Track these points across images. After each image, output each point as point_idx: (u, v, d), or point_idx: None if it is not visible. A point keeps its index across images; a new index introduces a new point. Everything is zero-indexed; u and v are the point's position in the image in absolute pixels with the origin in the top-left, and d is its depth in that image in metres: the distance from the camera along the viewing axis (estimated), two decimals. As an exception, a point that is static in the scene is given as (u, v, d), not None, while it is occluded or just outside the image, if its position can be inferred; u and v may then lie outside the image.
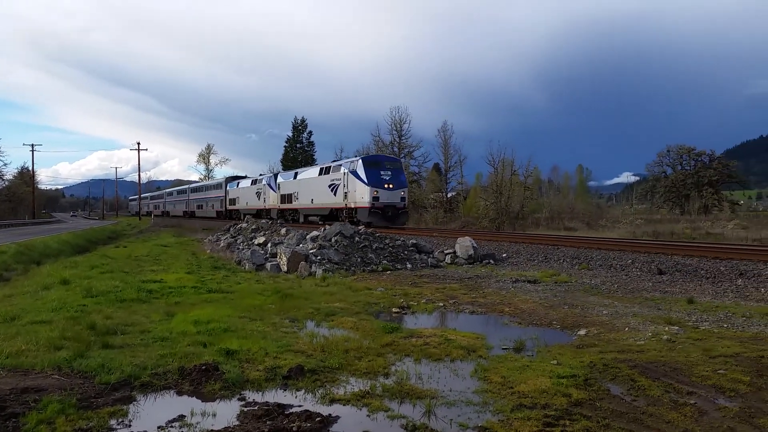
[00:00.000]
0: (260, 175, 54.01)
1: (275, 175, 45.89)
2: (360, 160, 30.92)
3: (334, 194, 33.05)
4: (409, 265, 14.61)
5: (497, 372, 5.58)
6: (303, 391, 5.21)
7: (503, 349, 6.59)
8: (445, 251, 16.15)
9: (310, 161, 68.78)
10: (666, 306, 8.80)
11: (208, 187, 67.75)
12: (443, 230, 30.16)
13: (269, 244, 17.10)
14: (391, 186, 29.95)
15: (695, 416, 4.48)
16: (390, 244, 15.85)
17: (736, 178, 55.86)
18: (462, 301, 9.79)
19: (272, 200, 44.41)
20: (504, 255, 16.57)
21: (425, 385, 5.29)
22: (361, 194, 29.98)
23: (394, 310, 9.13)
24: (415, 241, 16.78)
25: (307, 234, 17.16)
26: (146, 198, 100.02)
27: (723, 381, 5.15)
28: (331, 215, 33.95)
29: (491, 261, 15.46)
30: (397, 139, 58.43)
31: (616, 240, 20.08)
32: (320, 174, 35.83)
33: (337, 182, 32.98)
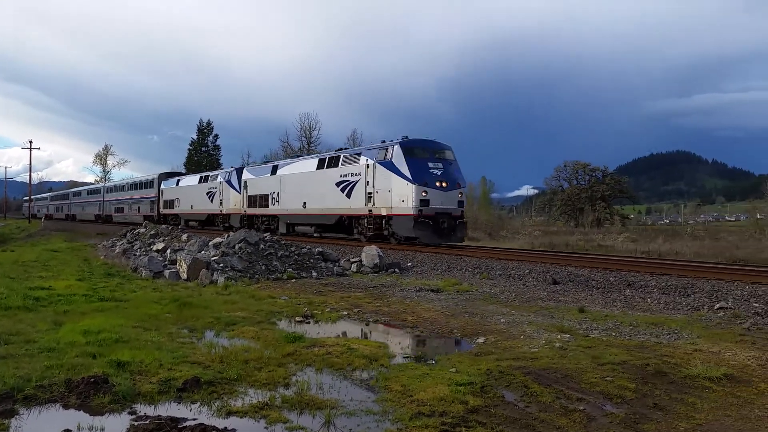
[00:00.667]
0: (212, 170, 44.42)
1: (238, 170, 36.06)
2: (398, 146, 21.59)
3: (348, 196, 23.99)
4: (314, 274, 14.52)
5: (398, 380, 5.61)
6: (198, 403, 5.04)
7: (405, 357, 6.65)
8: (351, 260, 16.17)
9: (215, 165, 67.16)
10: (559, 315, 9.17)
11: (133, 186, 55.01)
12: (350, 239, 25.72)
13: (168, 251, 16.51)
14: (444, 184, 21.11)
15: (584, 422, 4.67)
16: (296, 252, 15.70)
17: (626, 194, 59.17)
18: (366, 309, 9.81)
19: (234, 203, 35.02)
20: (409, 264, 16.78)
21: (326, 395, 5.25)
22: (400, 195, 21.09)
23: (297, 318, 9.02)
24: (321, 250, 16.70)
25: (210, 240, 16.72)
26: (45, 199, 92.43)
27: (610, 387, 5.41)
28: (340, 225, 25.31)
29: (396, 270, 15.61)
30: (306, 146, 58.28)
31: (516, 251, 20.80)
32: (321, 167, 26.40)
33: (353, 178, 23.76)
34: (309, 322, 8.86)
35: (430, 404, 4.92)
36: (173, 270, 14.06)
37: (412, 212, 20.53)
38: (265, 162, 35.78)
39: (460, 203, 21.66)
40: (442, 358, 6.50)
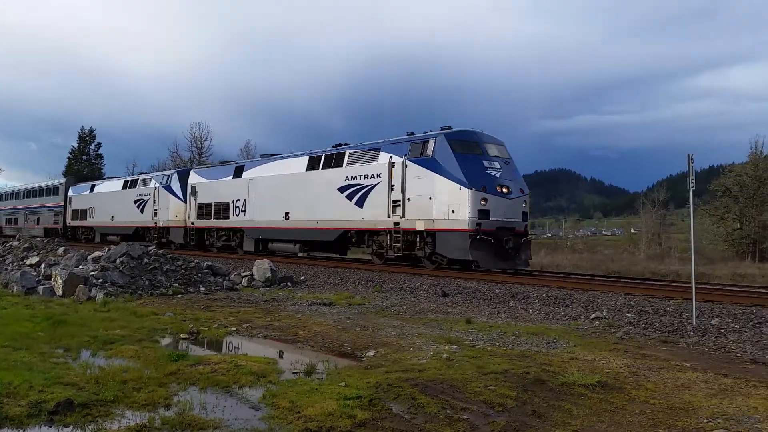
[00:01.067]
0: (140, 173, 36.36)
1: (182, 173, 29.94)
2: (443, 138, 16.85)
3: (359, 204, 18.88)
4: (202, 288, 14.08)
5: (286, 397, 5.52)
6: (71, 427, 4.74)
7: (294, 373, 6.56)
8: (242, 274, 15.83)
9: (98, 175, 63.83)
10: (447, 326, 9.38)
11: (31, 193, 46.32)
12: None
13: (43, 265, 15.50)
14: (506, 190, 16.55)
15: (467, 431, 4.79)
16: (183, 266, 15.16)
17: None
18: (256, 325, 9.62)
19: (175, 213, 28.93)
20: (302, 278, 16.66)
21: (209, 414, 5.08)
22: (447, 204, 16.27)
23: (182, 336, 8.69)
24: (210, 263, 16.24)
25: (89, 254, 15.85)
26: None
27: (493, 396, 5.57)
28: (342, 242, 20.60)
29: (289, 284, 15.44)
30: (197, 157, 56.77)
31: (407, 264, 21.06)
32: (315, 167, 20.97)
33: (368, 181, 18.63)
34: (195, 339, 8.57)
35: (317, 420, 4.87)
36: (48, 286, 13.19)
37: (467, 227, 15.77)
38: (223, 162, 29.28)
39: (525, 215, 17.14)
40: (332, 373, 6.47)
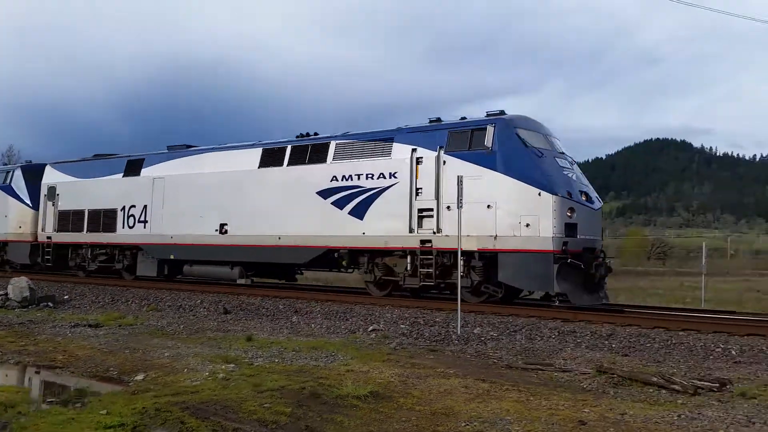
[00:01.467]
0: None
1: (28, 169, 22.79)
2: (503, 124, 12.71)
3: (357, 215, 14.12)
4: (-59, 311, 12.22)
5: (37, 428, 4.99)
6: None
7: (49, 402, 5.95)
8: (-7, 293, 14.03)
9: None
10: (226, 344, 9.13)
11: None
12: None
13: None
14: (585, 198, 12.60)
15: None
16: None
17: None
18: (7, 350, 8.58)
19: (18, 223, 21.78)
20: (66, 297, 15.24)
21: (-65, 457, 4.40)
22: (517, 214, 12.11)
23: None
24: (-48, 282, 14.16)
25: None
26: None
27: (267, 414, 5.50)
28: (324, 264, 15.59)
29: (50, 304, 13.98)
30: (-56, 161, 49.88)
31: (187, 282, 20.16)
32: (276, 163, 15.63)
33: (373, 184, 13.93)
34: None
35: (71, 453, 4.44)
36: None
37: (551, 246, 11.73)
38: (101, 156, 20.91)
39: (602, 231, 13.61)
40: (93, 400, 5.95)
